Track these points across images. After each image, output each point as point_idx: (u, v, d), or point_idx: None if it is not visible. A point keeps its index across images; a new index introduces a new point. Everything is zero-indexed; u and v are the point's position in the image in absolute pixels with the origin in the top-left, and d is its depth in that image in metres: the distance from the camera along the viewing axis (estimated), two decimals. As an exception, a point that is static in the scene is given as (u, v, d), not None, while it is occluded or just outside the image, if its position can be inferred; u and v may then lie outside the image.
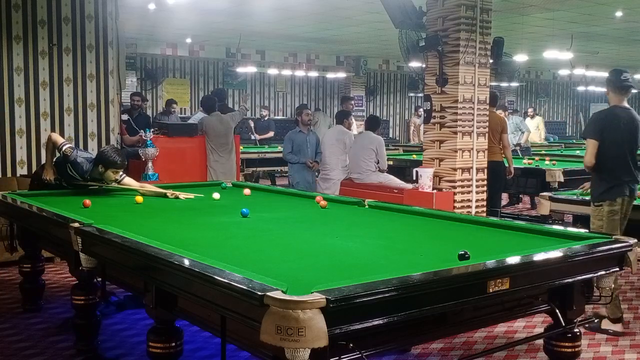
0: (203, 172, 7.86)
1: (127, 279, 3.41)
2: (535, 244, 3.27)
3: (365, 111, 17.54)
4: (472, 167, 6.79)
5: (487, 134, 6.92)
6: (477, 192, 6.87)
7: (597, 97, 23.70)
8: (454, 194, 6.68)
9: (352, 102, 10.92)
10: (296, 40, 13.71)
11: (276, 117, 17.15)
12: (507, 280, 2.69)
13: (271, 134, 13.78)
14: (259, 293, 2.18)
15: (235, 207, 4.51)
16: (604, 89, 5.60)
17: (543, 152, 11.99)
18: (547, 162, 9.56)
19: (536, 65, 17.77)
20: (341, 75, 16.80)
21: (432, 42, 6.57)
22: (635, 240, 3.22)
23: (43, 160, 6.63)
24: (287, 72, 16.49)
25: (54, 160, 5.40)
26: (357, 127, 10.02)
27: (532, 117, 14.33)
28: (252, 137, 13.74)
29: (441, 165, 6.79)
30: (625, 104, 4.91)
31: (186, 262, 2.71)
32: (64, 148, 5.21)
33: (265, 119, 14.29)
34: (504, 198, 10.24)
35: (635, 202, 4.91)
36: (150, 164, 7.32)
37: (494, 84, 14.66)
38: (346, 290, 2.23)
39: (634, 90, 5.11)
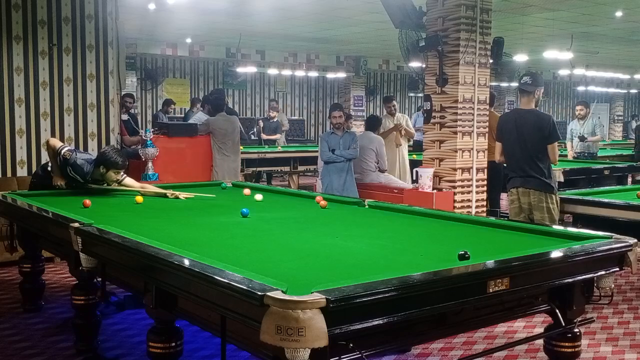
0: (204, 172, 7.86)
1: (127, 279, 3.40)
2: (535, 244, 3.26)
3: (365, 111, 17.53)
4: (472, 167, 6.79)
5: (487, 134, 6.92)
6: (477, 192, 6.88)
7: (597, 97, 23.70)
8: (454, 194, 6.69)
9: (393, 103, 9.68)
10: (296, 40, 13.70)
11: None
12: (507, 280, 2.69)
13: (278, 136, 13.45)
14: (259, 293, 2.18)
15: (235, 207, 4.51)
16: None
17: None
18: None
19: (536, 65, 17.76)
20: (341, 75, 16.79)
21: (432, 42, 6.58)
22: (635, 240, 3.21)
23: (43, 160, 6.63)
24: (287, 72, 16.48)
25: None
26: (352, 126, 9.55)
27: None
28: (253, 138, 13.64)
29: (441, 165, 6.79)
30: (529, 106, 5.41)
31: (186, 262, 2.70)
32: (62, 152, 5.21)
33: (275, 119, 13.58)
34: (504, 198, 10.22)
35: (635, 202, 4.92)
36: (150, 164, 7.32)
37: (494, 83, 14.66)
38: (346, 290, 2.23)
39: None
